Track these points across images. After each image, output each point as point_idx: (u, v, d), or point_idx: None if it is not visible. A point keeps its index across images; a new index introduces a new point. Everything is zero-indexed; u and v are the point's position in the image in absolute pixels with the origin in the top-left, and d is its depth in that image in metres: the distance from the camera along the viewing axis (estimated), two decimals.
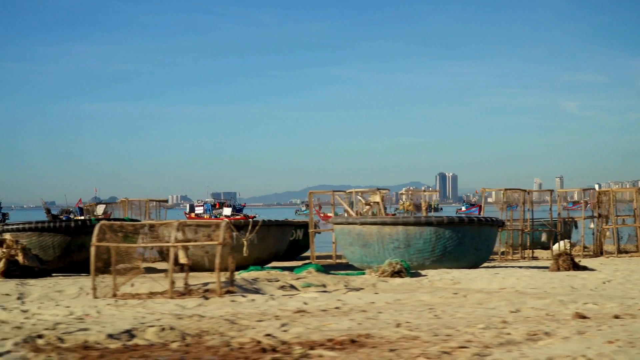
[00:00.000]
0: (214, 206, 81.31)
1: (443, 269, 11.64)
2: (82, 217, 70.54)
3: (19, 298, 8.99)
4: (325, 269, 11.41)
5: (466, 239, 12.37)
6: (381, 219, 12.60)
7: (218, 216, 76.09)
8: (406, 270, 10.83)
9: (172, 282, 8.40)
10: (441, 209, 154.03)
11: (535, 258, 17.22)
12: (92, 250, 8.47)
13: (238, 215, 74.68)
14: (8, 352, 4.99)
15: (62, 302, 8.07)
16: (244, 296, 8.39)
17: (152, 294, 8.65)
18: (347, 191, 18.69)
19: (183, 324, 6.01)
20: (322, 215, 78.42)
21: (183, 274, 8.98)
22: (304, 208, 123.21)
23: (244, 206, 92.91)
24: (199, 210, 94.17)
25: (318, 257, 15.94)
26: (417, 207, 38.86)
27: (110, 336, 5.43)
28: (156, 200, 19.74)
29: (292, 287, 9.58)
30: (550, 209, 18.89)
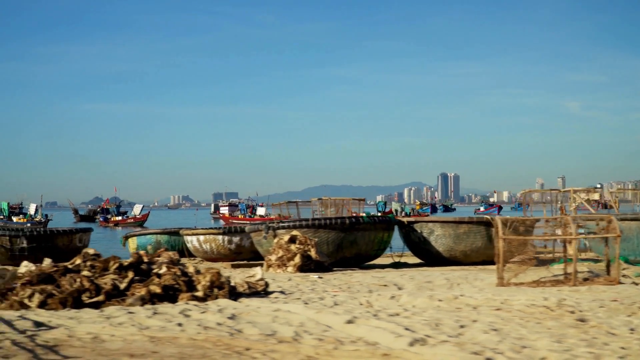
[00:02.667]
0: (248, 207, 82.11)
1: None
2: (120, 217, 70.21)
3: (399, 288, 9.70)
4: None
5: None
6: None
7: (253, 216, 77.01)
8: None
9: (576, 271, 9.18)
10: (454, 209, 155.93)
11: None
12: (500, 242, 9.22)
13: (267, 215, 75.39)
14: None
15: (478, 289, 8.82)
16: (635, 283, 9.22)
17: (538, 282, 9.43)
18: (563, 190, 19.45)
19: None
20: (353, 214, 78.81)
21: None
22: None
23: (262, 206, 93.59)
24: (224, 210, 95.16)
25: None
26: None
27: None
28: (357, 199, 20.55)
29: (627, 276, 10.37)
30: None
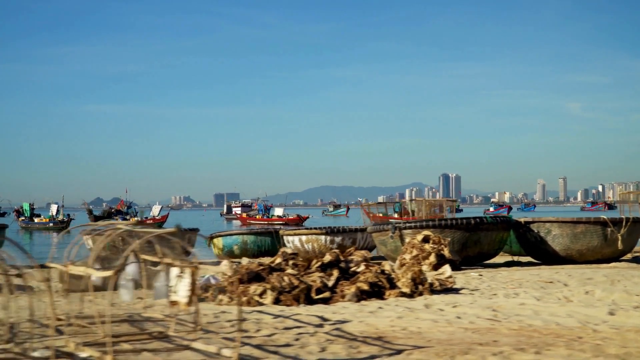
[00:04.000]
0: (266, 207, 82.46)
1: None
2: (138, 218, 70.25)
3: (565, 285, 10.20)
4: None
5: None
6: None
7: (271, 216, 77.41)
8: None
9: None
10: (462, 209, 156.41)
11: None
12: None
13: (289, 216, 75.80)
14: None
15: None
16: None
17: None
18: None
19: None
20: (370, 215, 79.24)
21: None
22: (331, 209, 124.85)
23: (271, 207, 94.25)
24: (237, 211, 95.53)
25: None
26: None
27: None
28: (450, 200, 21.08)
29: None
30: None
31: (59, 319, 6.99)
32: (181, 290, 4.99)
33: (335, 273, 9.19)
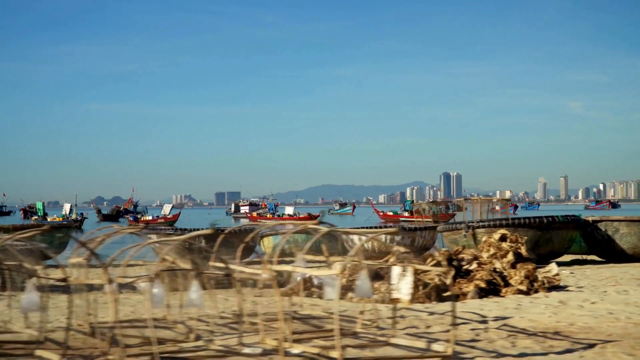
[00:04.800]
0: (275, 206, 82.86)
1: None
2: (151, 217, 70.23)
3: None
4: None
5: None
6: None
7: (281, 215, 77.70)
8: None
9: None
10: (466, 207, 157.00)
11: None
12: None
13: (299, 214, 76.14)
14: None
15: None
16: None
17: None
18: None
19: None
20: (380, 213, 79.58)
21: None
22: (337, 207, 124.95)
23: (277, 205, 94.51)
24: (245, 209, 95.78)
25: None
26: None
27: None
28: (504, 199, 21.44)
29: None
30: None
31: (223, 317, 7.31)
32: (404, 288, 5.30)
33: (452, 271, 9.49)
